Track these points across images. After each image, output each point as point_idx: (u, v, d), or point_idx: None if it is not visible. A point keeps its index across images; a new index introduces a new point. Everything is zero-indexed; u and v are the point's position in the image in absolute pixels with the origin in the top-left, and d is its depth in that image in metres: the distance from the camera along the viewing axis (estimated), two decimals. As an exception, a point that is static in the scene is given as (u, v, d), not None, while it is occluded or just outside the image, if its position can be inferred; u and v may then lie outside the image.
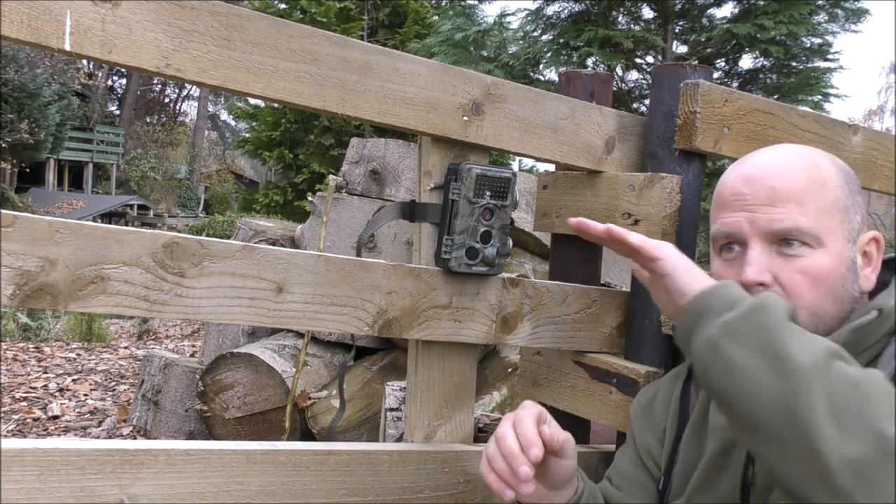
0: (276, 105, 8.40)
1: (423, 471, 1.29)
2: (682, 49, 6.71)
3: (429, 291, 1.29)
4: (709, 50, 6.45)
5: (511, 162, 8.83)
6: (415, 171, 1.92)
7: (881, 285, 1.02)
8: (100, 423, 4.22)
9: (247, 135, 10.28)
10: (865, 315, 0.94)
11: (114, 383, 5.11)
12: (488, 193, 1.30)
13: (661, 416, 1.19)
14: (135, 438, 3.86)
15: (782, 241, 0.98)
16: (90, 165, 25.47)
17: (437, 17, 8.24)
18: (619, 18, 6.73)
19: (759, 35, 5.77)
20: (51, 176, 23.58)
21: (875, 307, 0.95)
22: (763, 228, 0.99)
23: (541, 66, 6.58)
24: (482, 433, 2.81)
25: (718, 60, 6.66)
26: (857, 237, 1.01)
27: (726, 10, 6.62)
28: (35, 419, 4.20)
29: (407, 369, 1.40)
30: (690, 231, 1.41)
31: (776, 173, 1.00)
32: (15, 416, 4.20)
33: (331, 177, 3.57)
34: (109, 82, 28.64)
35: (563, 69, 5.38)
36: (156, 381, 3.89)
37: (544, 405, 1.58)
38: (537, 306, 1.41)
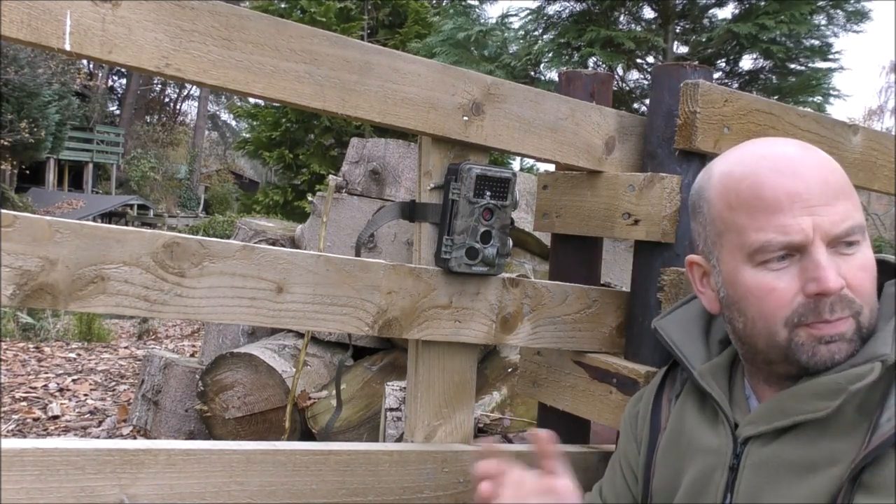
0: (276, 105, 8.41)
1: (423, 471, 1.29)
2: (683, 49, 6.71)
3: (429, 291, 1.29)
4: (709, 50, 6.45)
5: (511, 161, 8.83)
6: (415, 171, 1.92)
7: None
8: (100, 423, 4.22)
9: (247, 135, 10.31)
10: (866, 367, 0.90)
11: (114, 383, 5.11)
12: (488, 193, 1.30)
13: (641, 425, 1.16)
14: (135, 438, 3.86)
15: (841, 241, 0.92)
16: (90, 165, 25.47)
17: (437, 17, 8.23)
18: (620, 18, 6.73)
19: (760, 35, 5.77)
20: (51, 176, 23.58)
21: (876, 357, 0.90)
22: (828, 231, 0.91)
23: (542, 67, 6.58)
24: (482, 433, 2.81)
25: (719, 61, 6.66)
26: None
27: (727, 11, 6.61)
28: (35, 419, 4.20)
29: (407, 369, 1.40)
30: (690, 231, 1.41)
31: (820, 167, 0.94)
32: (15, 416, 4.20)
33: (331, 177, 3.57)
34: (109, 82, 28.66)
35: (563, 69, 5.38)
36: (156, 381, 3.89)
37: (544, 405, 1.59)
38: (537, 306, 1.41)
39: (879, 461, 0.86)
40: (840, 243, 0.92)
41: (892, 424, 0.86)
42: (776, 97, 6.30)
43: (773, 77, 6.63)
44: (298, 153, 9.02)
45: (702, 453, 1.02)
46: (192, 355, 5.43)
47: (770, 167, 0.94)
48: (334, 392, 3.42)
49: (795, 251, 0.92)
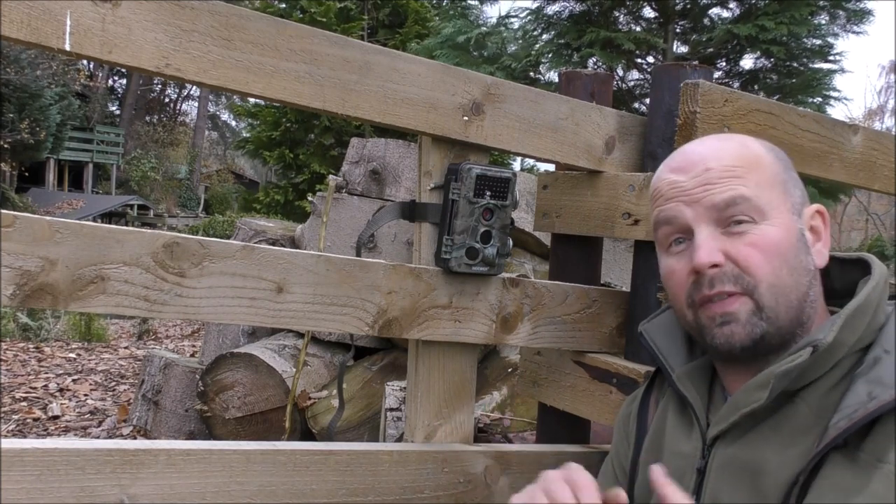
0: (276, 105, 8.42)
1: (423, 471, 1.29)
2: (683, 49, 6.72)
3: (429, 291, 1.29)
4: (709, 50, 6.46)
5: (511, 162, 8.84)
6: (415, 171, 1.92)
7: (850, 284, 0.99)
8: (100, 423, 4.22)
9: (247, 135, 10.33)
10: (797, 353, 0.89)
11: (114, 383, 5.11)
12: (488, 193, 1.30)
13: (631, 425, 1.17)
14: (135, 438, 3.86)
15: (728, 219, 0.95)
16: (90, 165, 25.45)
17: (436, 19, 8.24)
18: (620, 18, 6.73)
19: (759, 35, 5.77)
20: (51, 176, 23.58)
21: (810, 342, 0.89)
22: (706, 206, 0.95)
23: (542, 67, 6.58)
24: (482, 433, 2.81)
25: (719, 61, 6.66)
26: (802, 210, 0.99)
27: (727, 10, 6.62)
28: (35, 419, 4.20)
29: (407, 369, 1.40)
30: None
31: (708, 156, 0.98)
32: (15, 416, 4.20)
33: (331, 177, 3.57)
34: (110, 82, 28.66)
35: (563, 69, 5.38)
36: (156, 381, 3.89)
37: (544, 405, 1.59)
38: (537, 306, 1.41)
39: (829, 464, 0.84)
40: (729, 223, 0.95)
41: (841, 427, 0.83)
42: (776, 97, 6.31)
43: (774, 77, 6.63)
44: (298, 153, 9.03)
45: (676, 456, 1.02)
46: (192, 355, 5.43)
47: (670, 165, 1.02)
48: (335, 392, 3.42)
49: (687, 233, 0.98)
